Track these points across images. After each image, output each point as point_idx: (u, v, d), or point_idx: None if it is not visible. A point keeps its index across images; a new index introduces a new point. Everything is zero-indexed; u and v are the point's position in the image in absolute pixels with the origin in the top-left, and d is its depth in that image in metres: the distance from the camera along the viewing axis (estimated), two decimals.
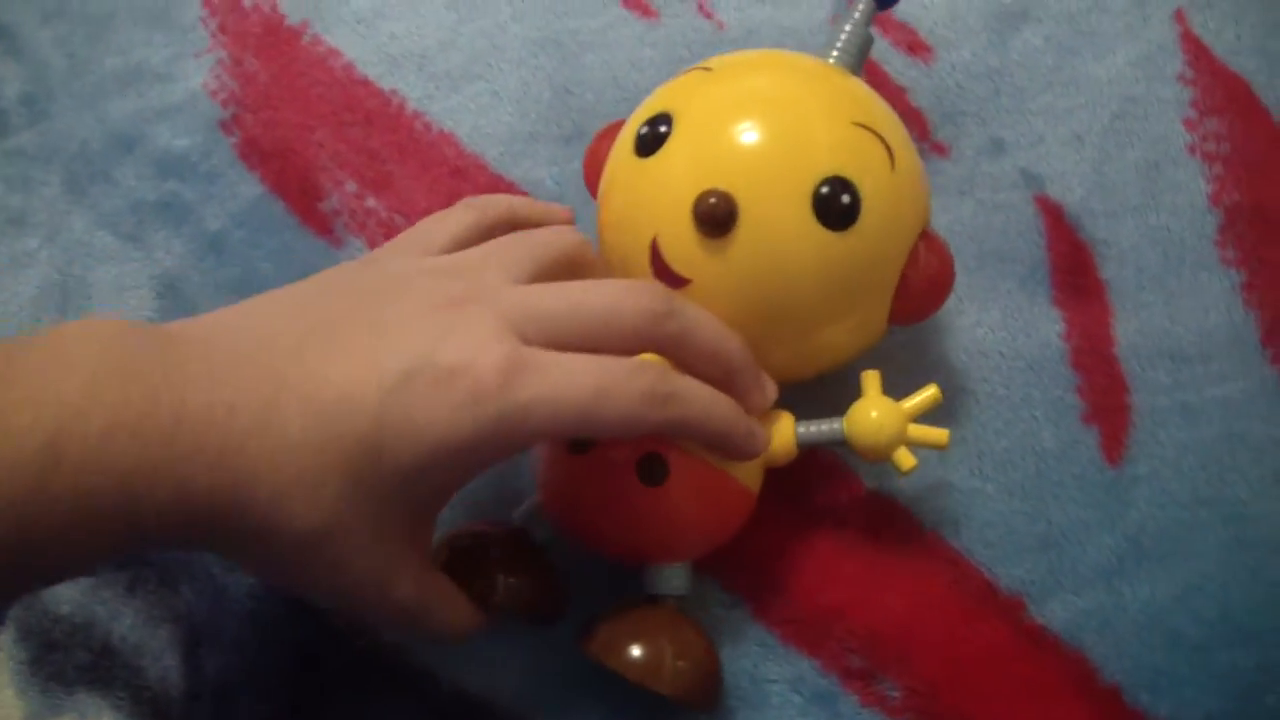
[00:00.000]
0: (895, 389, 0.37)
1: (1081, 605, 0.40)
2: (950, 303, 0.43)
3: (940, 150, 0.45)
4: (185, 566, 0.41)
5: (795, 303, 0.35)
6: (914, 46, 0.46)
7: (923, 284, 0.37)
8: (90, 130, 0.47)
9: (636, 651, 0.35)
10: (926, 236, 0.37)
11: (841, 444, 0.37)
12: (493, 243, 0.35)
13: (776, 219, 0.34)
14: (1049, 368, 0.42)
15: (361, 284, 0.33)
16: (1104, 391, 0.42)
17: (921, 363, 0.42)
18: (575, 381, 0.30)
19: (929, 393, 0.37)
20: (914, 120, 0.45)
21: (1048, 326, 0.43)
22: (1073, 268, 0.44)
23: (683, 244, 0.35)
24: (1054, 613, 0.40)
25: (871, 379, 0.37)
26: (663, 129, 0.36)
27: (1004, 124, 0.45)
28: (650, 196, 0.36)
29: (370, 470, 0.29)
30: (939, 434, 0.36)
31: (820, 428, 0.37)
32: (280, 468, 0.28)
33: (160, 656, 0.39)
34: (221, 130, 0.46)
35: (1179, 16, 0.47)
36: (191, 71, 0.47)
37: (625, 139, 0.38)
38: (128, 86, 0.47)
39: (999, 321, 0.43)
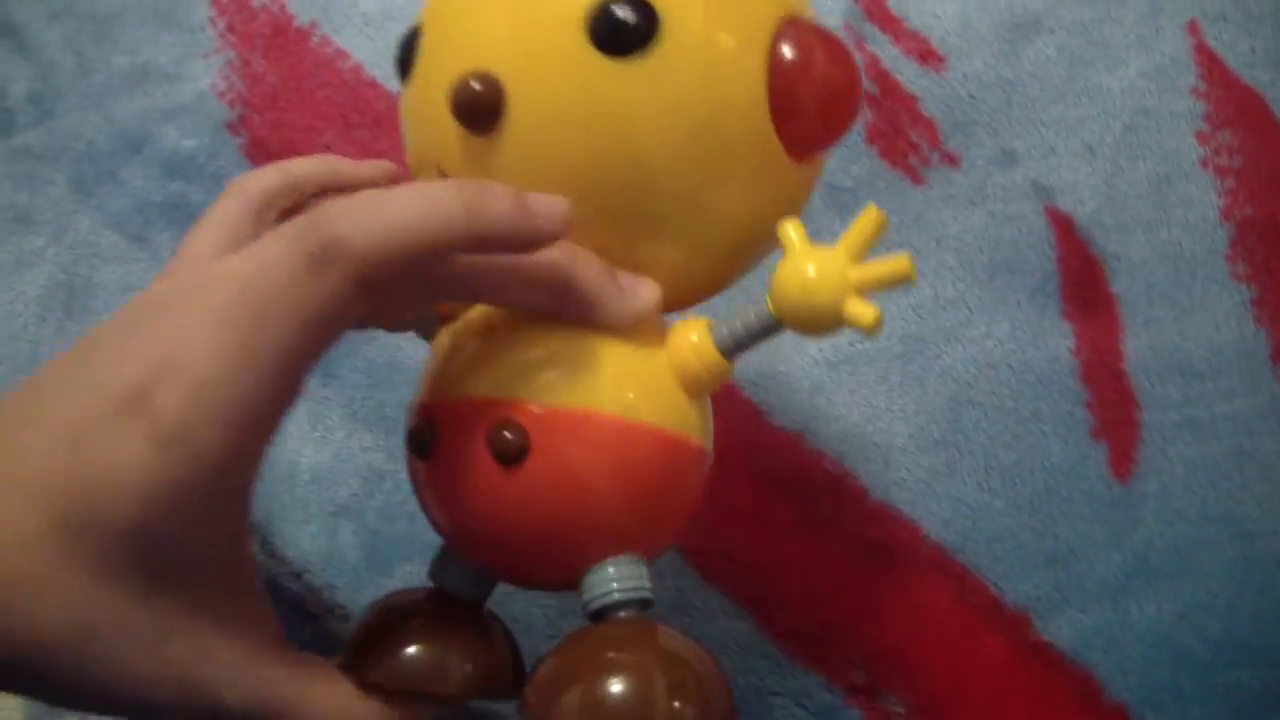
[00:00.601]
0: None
1: (1088, 622, 0.40)
2: (960, 314, 0.43)
3: (951, 160, 0.45)
4: None
5: (626, 176, 0.27)
6: (926, 55, 0.46)
7: (801, 91, 0.27)
8: (97, 130, 0.47)
9: (587, 699, 0.24)
10: (791, 25, 0.27)
11: (777, 328, 0.27)
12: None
13: (553, 73, 0.26)
14: (1058, 382, 0.42)
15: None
16: (1113, 407, 0.42)
17: (928, 374, 0.42)
18: (406, 207, 0.24)
19: (866, 216, 0.26)
20: (925, 129, 0.45)
21: (1057, 340, 0.43)
22: (1083, 281, 0.43)
23: (468, 158, 0.27)
24: (1060, 629, 0.40)
25: (791, 230, 0.27)
26: (413, 42, 0.29)
27: (1015, 134, 0.45)
28: (419, 121, 0.29)
29: (89, 543, 0.22)
30: (896, 262, 0.25)
31: (741, 320, 0.28)
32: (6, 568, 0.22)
33: None
34: (229, 131, 0.46)
35: (1192, 28, 0.47)
36: (199, 72, 0.47)
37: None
38: (135, 86, 0.47)
39: (1008, 334, 0.43)
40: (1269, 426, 0.42)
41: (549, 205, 0.26)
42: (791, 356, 0.42)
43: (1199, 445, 0.41)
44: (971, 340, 0.43)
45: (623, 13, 0.26)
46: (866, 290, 0.26)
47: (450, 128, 0.27)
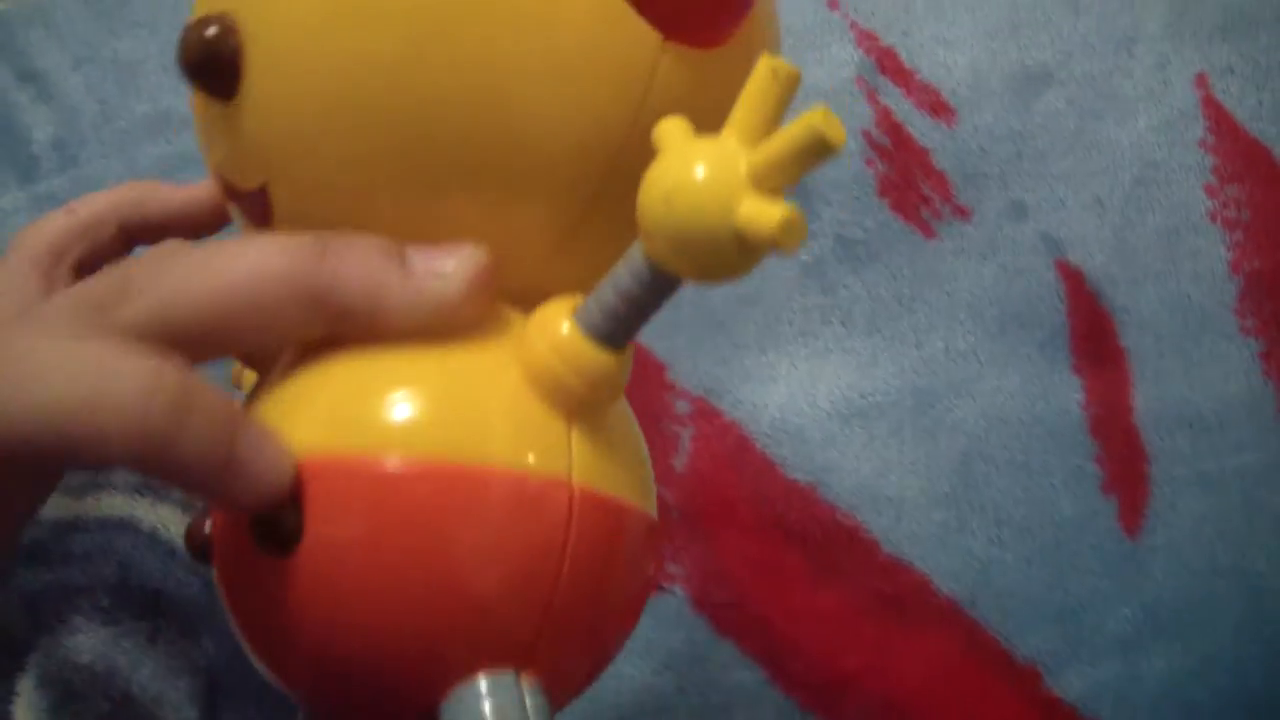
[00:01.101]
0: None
1: (1098, 676, 0.40)
2: (971, 368, 0.43)
3: (962, 213, 0.45)
4: (207, 617, 0.41)
5: (424, 106, 0.19)
6: (937, 108, 0.47)
7: None
8: (120, 175, 0.47)
9: None
10: None
11: (661, 278, 0.18)
12: None
13: None
14: (1068, 435, 0.43)
15: None
16: (1123, 460, 0.42)
17: (939, 428, 0.43)
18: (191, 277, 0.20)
19: (758, 74, 0.17)
20: (937, 182, 0.46)
21: (1067, 393, 0.43)
22: (1093, 334, 0.44)
23: (216, 130, 0.21)
24: (1070, 683, 0.40)
25: (666, 127, 0.18)
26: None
27: (1026, 187, 0.46)
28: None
29: None
30: (803, 124, 0.16)
31: (610, 283, 0.19)
32: None
33: (180, 708, 0.39)
34: None
35: (1201, 81, 0.47)
36: None
37: None
38: (157, 133, 0.48)
39: (1019, 387, 0.43)
40: (1278, 480, 0.42)
41: (442, 264, 0.20)
42: (804, 409, 0.43)
43: (1208, 499, 0.42)
44: (982, 394, 0.43)
45: None
46: (771, 181, 0.17)
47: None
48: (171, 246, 0.21)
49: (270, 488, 0.18)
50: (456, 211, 0.20)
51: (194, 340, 0.19)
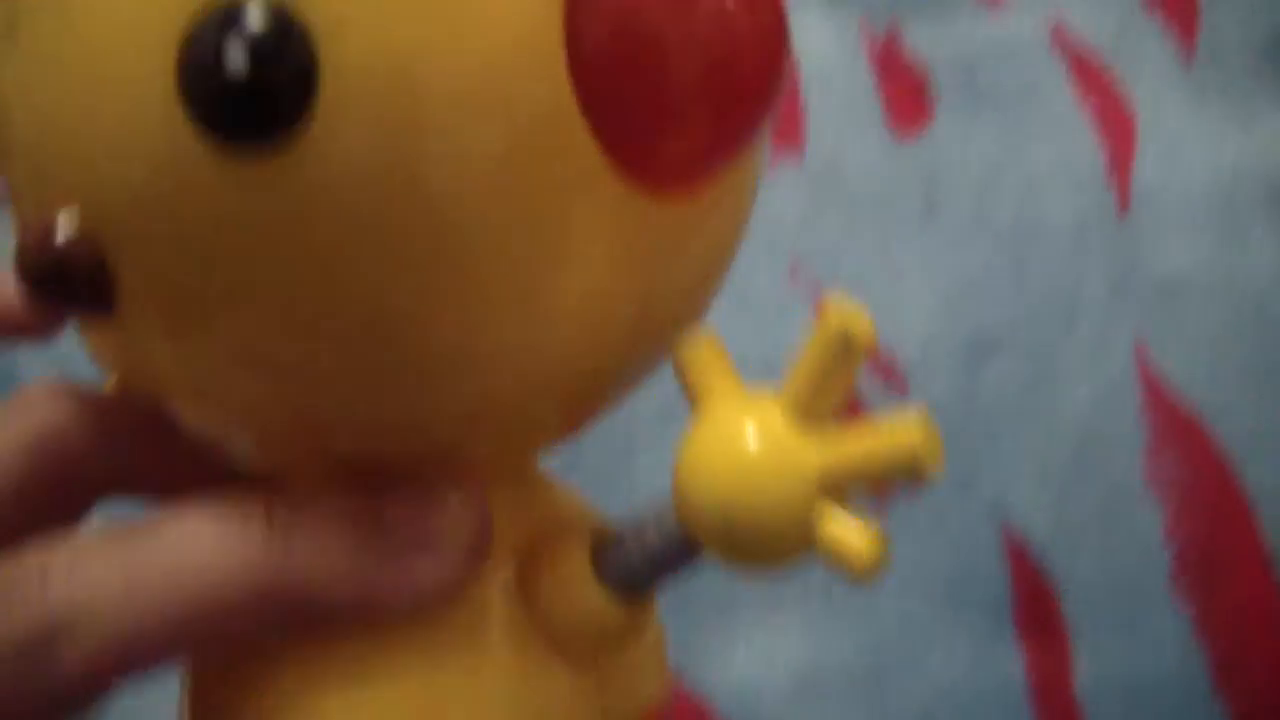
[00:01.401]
0: None
1: None
2: (918, 640, 0.45)
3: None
4: None
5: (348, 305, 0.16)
6: (891, 379, 0.50)
7: (629, 51, 0.15)
8: None
9: None
10: None
11: (694, 552, 0.17)
12: None
13: (142, 193, 0.15)
14: (1010, 708, 0.44)
15: None
16: None
17: (888, 704, 0.44)
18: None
19: (824, 330, 0.15)
20: None
21: (1010, 665, 0.45)
22: (1035, 604, 0.46)
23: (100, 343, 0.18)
24: None
25: (700, 356, 0.16)
26: None
27: (972, 456, 0.48)
28: None
29: None
30: (899, 433, 0.15)
31: (634, 538, 0.17)
32: None
33: None
34: None
35: (1139, 351, 0.50)
36: None
37: None
38: None
39: (962, 658, 0.45)
40: None
41: (432, 532, 0.17)
42: (761, 679, 0.44)
43: None
44: (929, 667, 0.45)
45: (242, 62, 0.14)
46: (847, 484, 0.15)
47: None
48: (79, 543, 0.17)
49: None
50: (400, 414, 0.17)
51: (138, 663, 0.17)
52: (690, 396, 0.16)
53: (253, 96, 0.14)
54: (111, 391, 0.21)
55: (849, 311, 0.15)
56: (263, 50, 0.14)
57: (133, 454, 0.20)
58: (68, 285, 0.15)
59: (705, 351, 0.16)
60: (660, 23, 0.14)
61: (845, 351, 0.15)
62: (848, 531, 0.15)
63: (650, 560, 0.17)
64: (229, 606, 0.16)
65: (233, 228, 0.15)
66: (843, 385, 0.15)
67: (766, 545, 0.15)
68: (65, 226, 0.15)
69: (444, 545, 0.17)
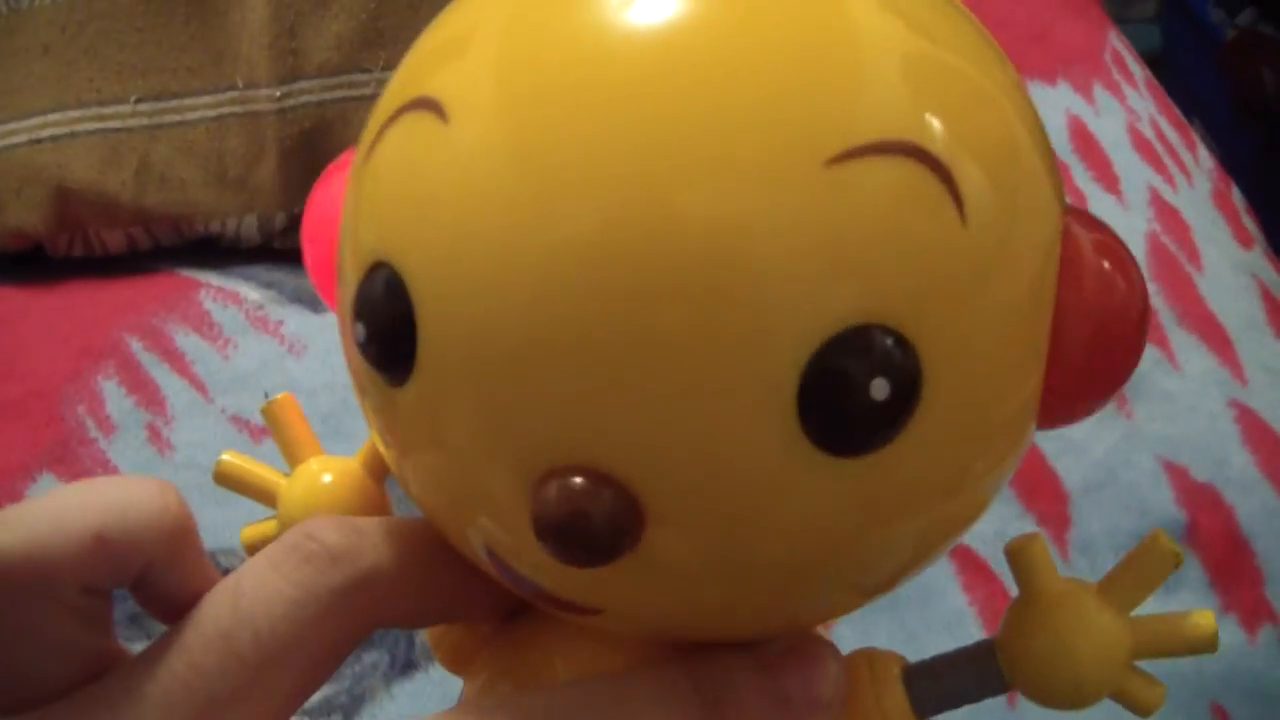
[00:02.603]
0: None
1: None
2: None
3: None
4: None
5: (805, 586, 0.18)
6: None
7: (1083, 335, 0.17)
8: None
9: None
10: (1068, 230, 0.17)
11: (1004, 691, 0.20)
12: None
13: (726, 478, 0.16)
14: None
15: None
16: None
17: None
18: None
19: (1150, 547, 0.20)
20: None
21: None
22: None
23: (550, 562, 0.17)
24: None
25: (1040, 560, 0.20)
26: (397, 306, 0.17)
27: None
28: (443, 474, 0.18)
29: None
30: (1195, 622, 0.20)
31: (950, 677, 0.21)
32: None
33: None
34: None
35: None
36: None
37: (345, 310, 0.19)
38: None
39: None
40: None
41: (818, 690, 0.19)
42: None
43: None
44: None
45: (877, 388, 0.15)
46: (1148, 658, 0.20)
47: (521, 524, 0.16)
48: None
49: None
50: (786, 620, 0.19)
51: None
52: (1024, 584, 0.20)
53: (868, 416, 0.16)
54: (419, 525, 0.21)
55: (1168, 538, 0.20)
56: (883, 368, 0.15)
57: (432, 591, 0.21)
58: (596, 542, 0.16)
59: (1027, 551, 0.20)
60: (1130, 323, 0.18)
61: (1170, 568, 0.20)
62: (1147, 687, 0.20)
63: (964, 697, 0.21)
64: None
65: (779, 515, 0.17)
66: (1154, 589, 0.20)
67: (1085, 701, 0.20)
68: (598, 486, 0.16)
69: (832, 704, 0.19)
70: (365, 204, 0.18)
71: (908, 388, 0.15)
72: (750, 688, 0.19)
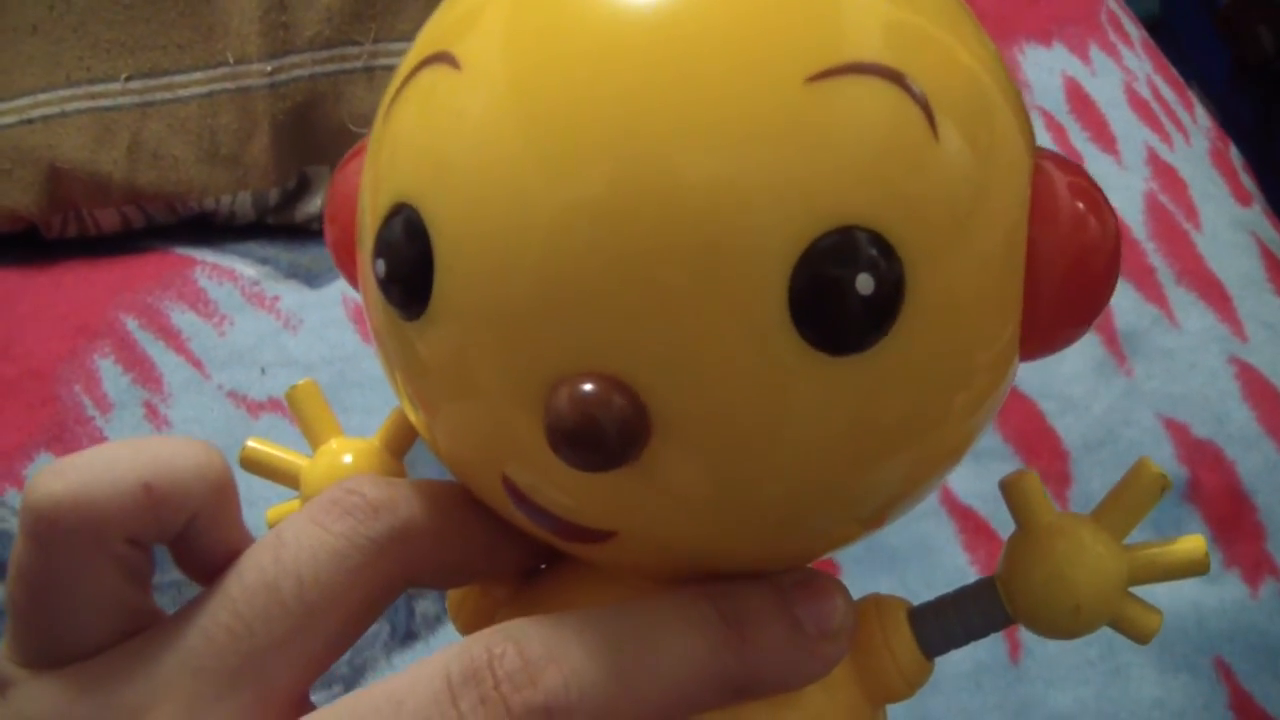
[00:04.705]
0: None
1: None
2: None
3: None
4: None
5: (805, 506, 0.19)
6: None
7: (1059, 268, 0.18)
8: None
9: None
10: (1041, 169, 0.19)
11: (1007, 625, 0.21)
12: None
13: (727, 381, 0.17)
14: None
15: None
16: None
17: None
18: None
19: (1139, 475, 0.21)
20: None
21: None
22: None
23: (565, 479, 0.18)
24: None
25: (1033, 493, 0.21)
26: (417, 244, 0.18)
27: None
28: (461, 406, 0.19)
29: None
30: (1186, 547, 0.21)
31: (958, 616, 0.21)
32: None
33: None
34: None
35: None
36: None
37: (365, 252, 0.20)
38: None
39: None
40: None
41: (830, 620, 0.20)
42: None
43: None
44: None
45: (863, 283, 0.16)
46: (1143, 584, 0.20)
47: (537, 443, 0.17)
48: (546, 632, 0.18)
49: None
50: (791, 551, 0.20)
51: None
52: (1021, 519, 0.21)
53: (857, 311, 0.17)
54: (448, 485, 0.21)
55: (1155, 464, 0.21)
56: (868, 266, 0.16)
57: (463, 545, 0.21)
58: (606, 444, 0.17)
59: (1021, 485, 0.21)
60: (1103, 259, 0.19)
61: (1157, 493, 0.21)
62: (1146, 614, 0.20)
63: (968, 633, 0.21)
64: (700, 697, 0.18)
65: (778, 416, 0.17)
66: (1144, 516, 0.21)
67: (1084, 628, 0.20)
68: (609, 390, 0.17)
69: (842, 633, 0.20)
70: (386, 152, 0.19)
71: (892, 286, 0.16)
72: (767, 613, 0.19)
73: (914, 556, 0.40)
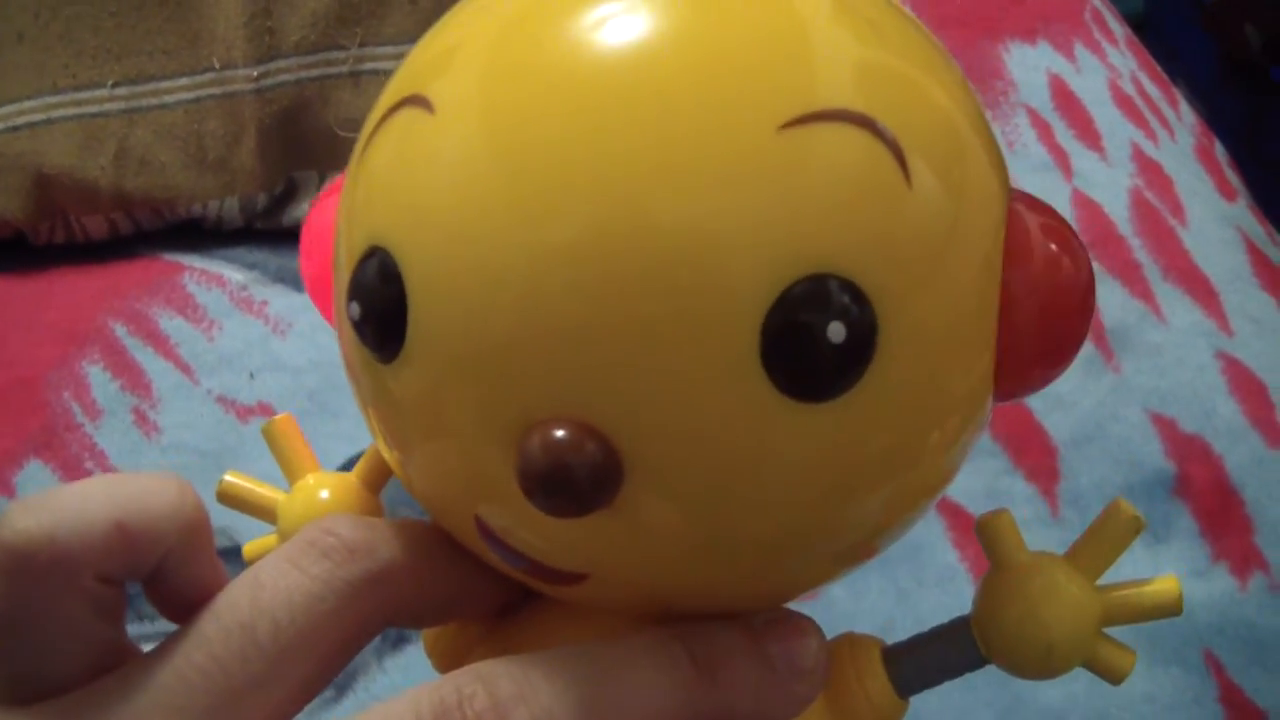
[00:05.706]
0: None
1: None
2: None
3: None
4: None
5: (779, 549, 0.19)
6: None
7: (1034, 319, 0.19)
8: None
9: None
10: (1013, 211, 0.19)
11: (981, 665, 0.21)
12: None
13: (699, 429, 0.17)
14: None
15: None
16: None
17: None
18: None
19: (1112, 516, 0.21)
20: None
21: None
22: None
23: (537, 522, 0.18)
24: None
25: (1006, 533, 0.21)
26: (391, 287, 0.18)
27: None
28: (435, 447, 0.19)
29: None
30: (1159, 589, 0.21)
31: (932, 658, 0.21)
32: None
33: None
34: None
35: None
36: None
37: (340, 291, 0.20)
38: None
39: None
40: None
41: (802, 658, 0.20)
42: None
43: None
44: None
45: (835, 331, 0.16)
46: (1116, 624, 0.20)
47: (509, 486, 0.17)
48: (517, 671, 0.18)
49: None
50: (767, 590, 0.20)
51: None
52: (995, 558, 0.21)
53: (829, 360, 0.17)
54: (424, 525, 0.21)
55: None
56: (839, 313, 0.16)
57: (439, 585, 0.21)
58: (577, 490, 0.17)
59: (1005, 525, 0.21)
60: (1076, 299, 0.19)
61: (1132, 534, 0.20)
62: (1119, 656, 0.20)
63: (943, 672, 0.21)
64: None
65: (752, 461, 0.17)
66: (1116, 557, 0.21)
67: (1058, 668, 0.20)
68: (581, 437, 0.17)
69: (814, 672, 0.20)
70: (360, 194, 0.19)
71: (864, 334, 0.16)
72: (739, 653, 0.19)
73: (904, 555, 0.40)
